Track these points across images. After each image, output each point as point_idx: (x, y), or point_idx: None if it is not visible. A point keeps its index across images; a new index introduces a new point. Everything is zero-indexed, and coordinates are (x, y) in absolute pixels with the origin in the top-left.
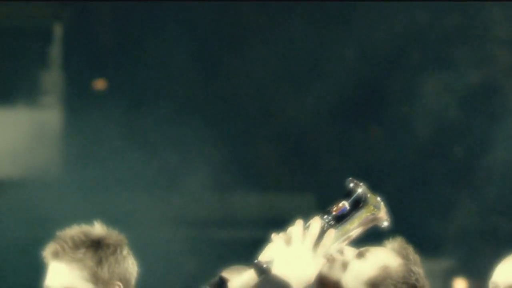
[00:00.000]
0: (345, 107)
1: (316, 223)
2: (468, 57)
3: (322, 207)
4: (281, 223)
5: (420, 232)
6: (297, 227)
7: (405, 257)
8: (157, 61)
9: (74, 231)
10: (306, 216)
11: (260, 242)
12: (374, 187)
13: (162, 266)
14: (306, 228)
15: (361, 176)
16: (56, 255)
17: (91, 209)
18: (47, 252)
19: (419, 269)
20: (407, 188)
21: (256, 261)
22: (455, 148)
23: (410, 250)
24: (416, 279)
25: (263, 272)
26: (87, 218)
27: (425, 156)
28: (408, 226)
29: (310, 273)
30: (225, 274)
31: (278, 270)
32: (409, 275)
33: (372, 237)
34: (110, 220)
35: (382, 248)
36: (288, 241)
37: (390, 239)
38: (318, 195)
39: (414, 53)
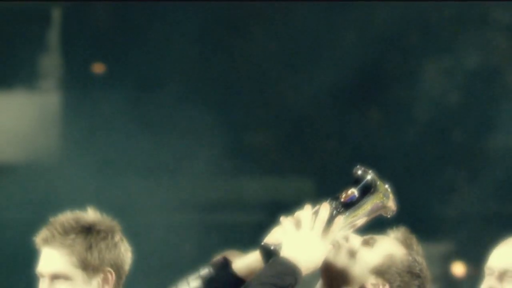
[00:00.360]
0: (345, 91)
1: (325, 208)
2: (468, 41)
3: (321, 191)
4: (280, 207)
5: (419, 215)
6: (306, 211)
7: (409, 246)
8: (158, 45)
9: (66, 217)
10: (306, 200)
11: (260, 226)
12: (372, 170)
13: (163, 249)
14: (313, 213)
15: (360, 160)
16: (46, 241)
17: (91, 193)
18: (38, 238)
19: (422, 260)
20: (407, 172)
21: (263, 243)
22: (455, 132)
23: (414, 240)
24: (420, 269)
25: (270, 254)
26: (86, 203)
27: (425, 140)
28: (407, 210)
29: (318, 258)
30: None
31: (287, 253)
32: (413, 264)
33: (374, 225)
34: (111, 204)
35: (387, 237)
36: (297, 225)
37: (394, 228)
38: (318, 179)
39: (414, 37)
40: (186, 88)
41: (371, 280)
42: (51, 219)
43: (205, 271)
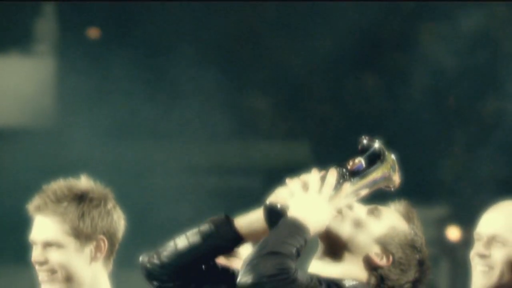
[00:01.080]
0: (341, 56)
1: (332, 174)
2: (463, 5)
3: (317, 155)
4: (274, 171)
5: (414, 180)
6: (314, 175)
7: (410, 220)
8: (152, 9)
9: (58, 184)
10: (302, 163)
11: (252, 190)
12: (367, 135)
13: (161, 210)
14: (321, 178)
15: (356, 125)
16: (38, 208)
17: (85, 157)
18: (31, 205)
19: (422, 235)
20: (402, 136)
21: (268, 202)
22: (451, 97)
23: (415, 214)
24: (421, 244)
25: (274, 213)
26: (82, 166)
27: (421, 105)
28: (402, 174)
29: (325, 221)
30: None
31: (296, 213)
32: (415, 238)
33: (374, 195)
34: (107, 167)
35: (390, 209)
36: (304, 187)
37: (395, 201)
38: (313, 144)
39: (411, 3)
40: (178, 53)
41: (375, 250)
42: (44, 187)
43: (205, 226)
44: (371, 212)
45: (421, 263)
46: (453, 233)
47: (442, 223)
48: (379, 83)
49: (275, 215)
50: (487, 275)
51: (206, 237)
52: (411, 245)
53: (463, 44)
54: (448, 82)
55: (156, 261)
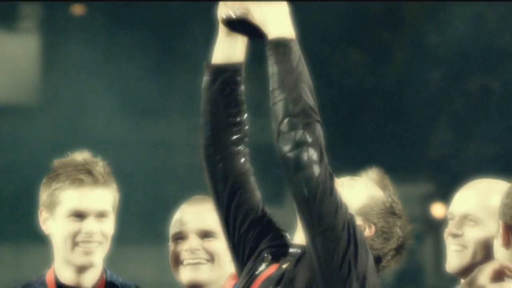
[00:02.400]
0: (326, 32)
1: None
2: None
3: None
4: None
5: (399, 157)
6: None
7: (385, 187)
8: None
9: (95, 160)
10: None
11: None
12: (354, 112)
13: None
14: None
15: (341, 101)
16: (97, 181)
17: (66, 136)
18: (83, 178)
19: (398, 200)
20: (387, 112)
21: (224, 17)
22: (435, 74)
23: (388, 180)
24: (399, 210)
25: (237, 22)
26: (64, 144)
27: (405, 81)
28: (387, 151)
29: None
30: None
31: (273, 31)
32: (393, 205)
33: (347, 165)
34: (87, 146)
35: (364, 179)
36: None
37: (366, 170)
38: None
39: None
40: (166, 30)
41: (357, 222)
42: (80, 159)
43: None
44: (346, 185)
45: (401, 229)
46: (438, 210)
47: (427, 200)
48: (365, 59)
49: (237, 25)
50: (460, 255)
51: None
52: (391, 212)
53: (448, 21)
54: (433, 59)
55: None
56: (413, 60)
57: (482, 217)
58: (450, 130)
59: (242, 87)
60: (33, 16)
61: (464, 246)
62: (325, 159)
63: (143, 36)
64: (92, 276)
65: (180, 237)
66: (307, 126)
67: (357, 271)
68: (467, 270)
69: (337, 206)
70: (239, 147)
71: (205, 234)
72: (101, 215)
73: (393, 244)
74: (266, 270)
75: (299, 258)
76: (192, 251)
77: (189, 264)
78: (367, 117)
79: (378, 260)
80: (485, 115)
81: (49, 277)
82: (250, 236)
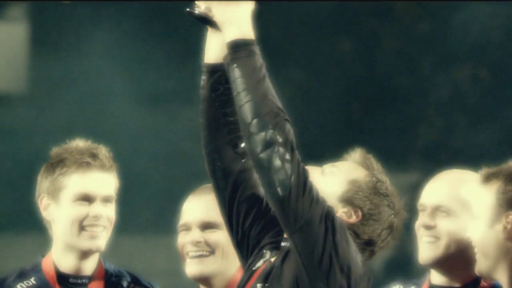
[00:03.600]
0: (314, 21)
1: None
2: None
3: (291, 120)
4: None
5: (388, 146)
6: None
7: (369, 167)
8: None
9: (97, 146)
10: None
11: None
12: (342, 100)
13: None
14: None
15: (329, 89)
16: (103, 166)
17: (59, 124)
18: (88, 161)
19: (385, 177)
20: (376, 101)
21: (187, 10)
22: (424, 62)
23: (372, 159)
24: (386, 188)
25: (200, 17)
26: (57, 134)
27: (395, 70)
28: (376, 140)
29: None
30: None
31: (230, 33)
32: (378, 185)
33: (336, 154)
34: (74, 135)
35: (346, 162)
36: None
37: (349, 152)
38: (288, 109)
39: None
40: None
41: (342, 209)
42: (85, 145)
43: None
44: (327, 172)
45: (391, 206)
46: None
47: (416, 189)
48: (354, 48)
49: (202, 19)
50: (433, 246)
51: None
52: (376, 193)
53: (436, 8)
54: (422, 47)
55: None
56: (403, 49)
57: (454, 208)
58: (439, 118)
59: None
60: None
61: (437, 238)
62: (297, 156)
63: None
64: (92, 263)
65: (184, 228)
66: (276, 125)
67: (340, 262)
68: (440, 261)
69: (312, 200)
70: (238, 146)
71: (207, 226)
72: (106, 199)
73: (384, 223)
74: (262, 266)
75: (287, 253)
76: (194, 243)
77: (192, 257)
78: (356, 107)
79: (370, 243)
80: (474, 104)
81: (46, 265)
82: (253, 232)
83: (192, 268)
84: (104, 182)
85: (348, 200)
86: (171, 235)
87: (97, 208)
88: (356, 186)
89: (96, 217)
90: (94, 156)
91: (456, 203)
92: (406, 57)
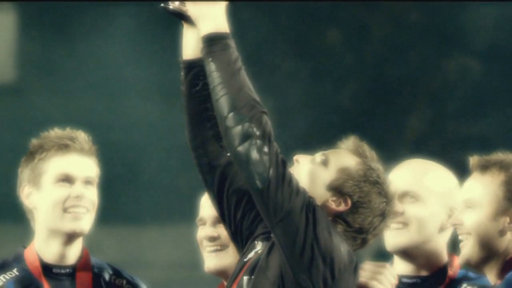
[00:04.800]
0: (303, 10)
1: None
2: None
3: (282, 110)
4: None
5: (377, 136)
6: None
7: (361, 155)
8: None
9: (77, 131)
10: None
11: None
12: (332, 91)
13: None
14: None
15: (320, 80)
16: (82, 150)
17: (46, 113)
18: (73, 145)
19: (377, 165)
20: (366, 92)
21: (161, 5)
22: (413, 52)
23: (365, 147)
24: (377, 175)
25: (174, 13)
26: (45, 122)
27: (384, 60)
28: (365, 131)
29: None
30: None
31: (204, 27)
32: (369, 172)
33: (322, 141)
34: (66, 124)
35: (338, 150)
36: None
37: (343, 140)
38: (276, 99)
39: None
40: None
41: (331, 198)
42: (65, 132)
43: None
44: (317, 161)
45: (382, 194)
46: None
47: None
48: (343, 38)
49: (176, 15)
50: (401, 232)
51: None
52: (366, 180)
53: None
54: (411, 37)
55: None
56: (392, 38)
57: (421, 194)
58: (428, 109)
59: None
60: None
61: (405, 224)
62: (275, 148)
63: None
64: (76, 250)
65: (201, 223)
66: (253, 118)
67: (322, 253)
68: (408, 249)
69: (291, 192)
70: (222, 140)
71: (219, 220)
72: (87, 181)
73: (375, 211)
74: (253, 257)
75: (273, 245)
76: (209, 238)
77: (209, 252)
78: (345, 96)
79: (361, 231)
80: (463, 94)
81: (29, 256)
82: (246, 223)
83: (208, 262)
84: (84, 164)
85: (337, 189)
86: (188, 227)
87: (78, 188)
88: (346, 174)
89: (78, 197)
90: (72, 139)
91: (423, 189)
92: (394, 47)
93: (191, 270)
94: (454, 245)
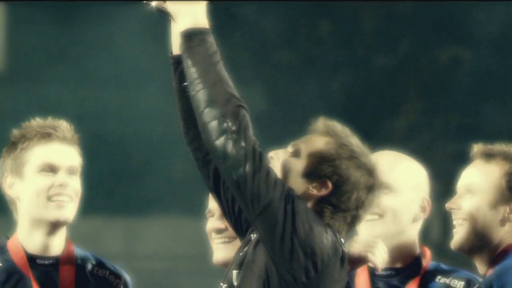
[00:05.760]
0: (294, 1)
1: None
2: None
3: (272, 100)
4: None
5: (368, 127)
6: None
7: (332, 134)
8: None
9: (59, 121)
10: (256, 111)
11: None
12: (323, 81)
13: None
14: None
15: (310, 70)
16: (65, 139)
17: (29, 102)
18: (54, 133)
19: (351, 139)
20: (357, 81)
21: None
22: (404, 42)
23: (335, 125)
24: (351, 150)
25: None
26: (30, 112)
27: (374, 51)
28: (358, 122)
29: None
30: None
31: (181, 23)
32: (341, 150)
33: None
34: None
35: (307, 136)
36: None
37: (312, 123)
38: (267, 88)
39: None
40: None
41: (310, 185)
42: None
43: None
44: (289, 152)
45: (361, 167)
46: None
47: None
48: (334, 28)
49: (159, 11)
50: (376, 224)
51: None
52: (340, 158)
53: None
54: (402, 27)
55: None
56: (382, 28)
57: (395, 185)
58: (419, 99)
59: None
60: None
61: (380, 215)
62: (251, 142)
63: None
64: (60, 241)
65: (210, 215)
66: (228, 113)
67: (302, 244)
68: (382, 239)
69: (269, 185)
70: None
71: None
72: (71, 170)
73: (359, 185)
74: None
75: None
76: (217, 230)
77: (217, 244)
78: (336, 87)
79: (350, 209)
80: (454, 85)
81: (13, 247)
82: (243, 216)
83: (216, 254)
84: (67, 153)
85: (313, 174)
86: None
87: (62, 177)
88: (318, 158)
89: (62, 186)
90: (55, 128)
91: (396, 180)
92: (385, 37)
93: (193, 262)
94: (425, 237)
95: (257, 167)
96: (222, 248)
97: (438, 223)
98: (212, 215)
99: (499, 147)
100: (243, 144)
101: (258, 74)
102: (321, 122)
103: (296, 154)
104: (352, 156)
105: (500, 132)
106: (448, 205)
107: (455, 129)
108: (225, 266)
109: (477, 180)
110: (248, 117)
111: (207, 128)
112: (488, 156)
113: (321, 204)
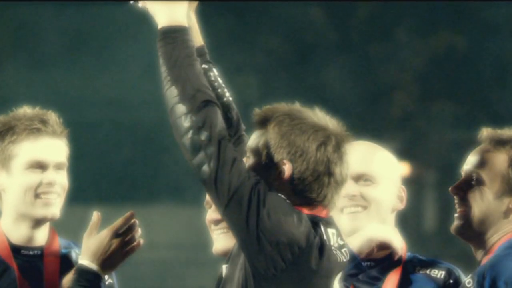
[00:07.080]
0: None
1: None
2: None
3: (265, 87)
4: None
5: (364, 114)
6: None
7: (270, 118)
8: None
9: (48, 112)
10: (250, 97)
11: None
12: (317, 70)
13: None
14: None
15: (305, 57)
16: (54, 132)
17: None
18: (38, 127)
19: (285, 109)
20: (350, 68)
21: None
22: (398, 30)
23: (273, 107)
24: (287, 120)
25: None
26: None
27: (368, 38)
28: (352, 109)
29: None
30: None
31: (160, 20)
32: (278, 124)
33: None
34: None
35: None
36: None
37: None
38: (259, 75)
39: None
40: None
41: (274, 174)
42: (30, 113)
43: None
44: (246, 157)
45: (304, 129)
46: (403, 168)
47: None
48: (327, 15)
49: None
50: (360, 215)
51: None
52: (279, 132)
53: None
54: (396, 14)
55: None
56: (378, 15)
57: (375, 176)
58: (415, 87)
59: (212, 73)
60: None
61: (363, 207)
62: (217, 137)
63: None
64: (44, 232)
65: (209, 206)
66: (194, 109)
67: (267, 236)
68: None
69: (231, 179)
70: (231, 132)
71: None
72: (59, 166)
73: (310, 147)
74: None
75: None
76: (214, 222)
77: (217, 234)
78: (331, 75)
79: (312, 175)
80: (450, 73)
81: None
82: None
83: (216, 244)
84: (56, 148)
85: (269, 164)
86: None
87: (50, 175)
88: (264, 144)
89: (51, 184)
90: (44, 122)
91: (376, 171)
92: (379, 24)
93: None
94: (419, 225)
95: (222, 163)
96: (222, 238)
97: (435, 210)
98: (210, 206)
99: (509, 133)
100: (208, 139)
101: (250, 61)
102: (256, 113)
103: (248, 156)
104: (291, 124)
105: (496, 120)
106: (451, 189)
107: (451, 116)
108: (225, 255)
109: (483, 168)
110: (215, 111)
111: (175, 124)
112: (498, 143)
113: (291, 185)
